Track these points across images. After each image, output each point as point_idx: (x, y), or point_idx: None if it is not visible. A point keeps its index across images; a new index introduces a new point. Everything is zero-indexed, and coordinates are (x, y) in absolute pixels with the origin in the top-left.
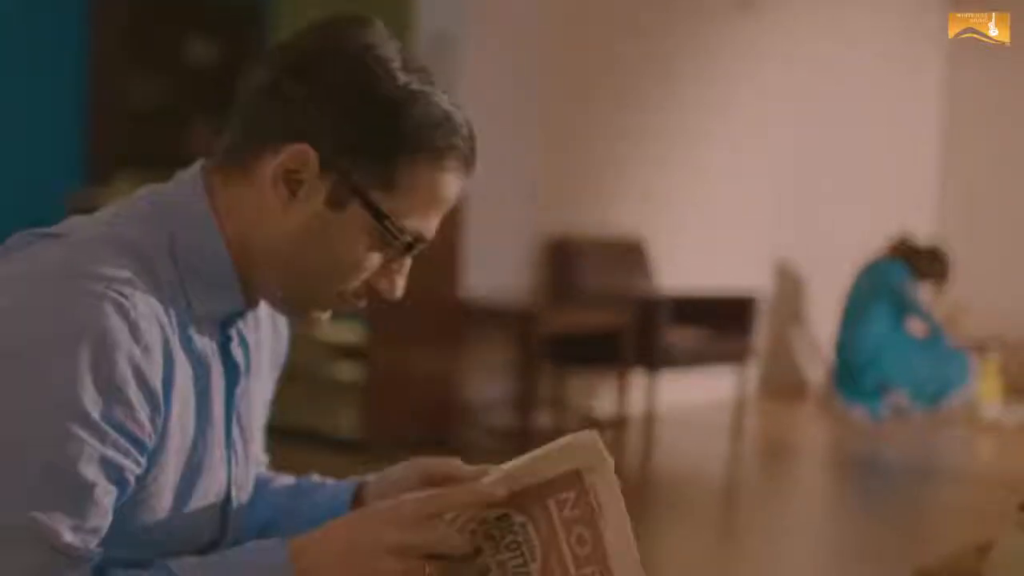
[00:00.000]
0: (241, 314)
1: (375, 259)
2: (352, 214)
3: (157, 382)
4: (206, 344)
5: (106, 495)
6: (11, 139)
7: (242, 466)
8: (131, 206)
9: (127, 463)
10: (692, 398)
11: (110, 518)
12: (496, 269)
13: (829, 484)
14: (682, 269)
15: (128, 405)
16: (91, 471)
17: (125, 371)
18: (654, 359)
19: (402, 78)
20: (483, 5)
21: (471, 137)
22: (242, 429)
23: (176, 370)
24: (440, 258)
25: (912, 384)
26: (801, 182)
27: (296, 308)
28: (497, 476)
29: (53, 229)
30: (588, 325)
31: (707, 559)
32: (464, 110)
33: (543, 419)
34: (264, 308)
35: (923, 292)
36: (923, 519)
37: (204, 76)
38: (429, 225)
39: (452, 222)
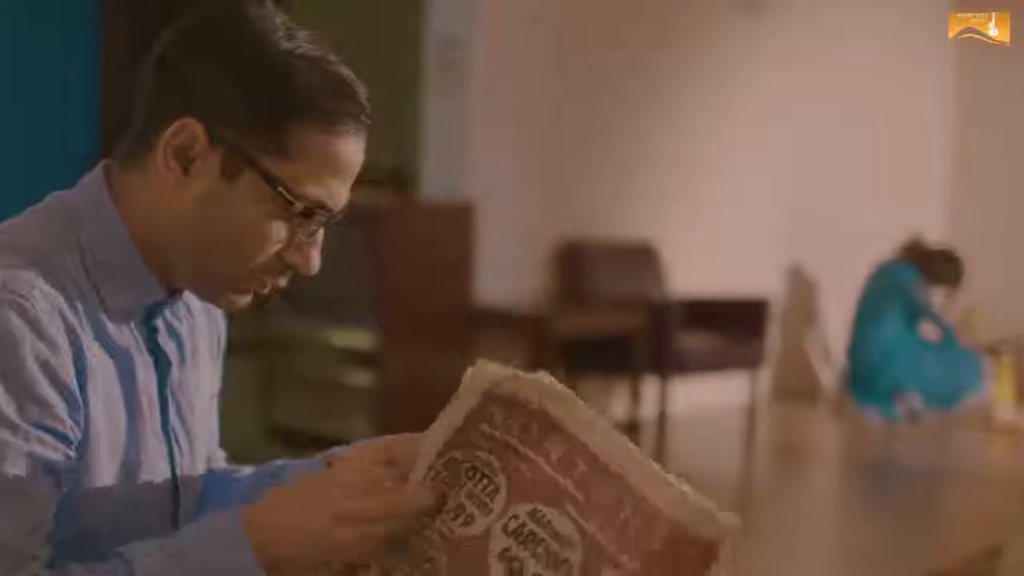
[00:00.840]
0: (164, 304)
1: (279, 230)
2: (247, 183)
3: (69, 377)
4: (127, 337)
5: (43, 491)
6: (23, 140)
7: (187, 458)
8: (34, 214)
9: (56, 457)
10: (705, 402)
11: (53, 514)
12: (508, 274)
13: (842, 487)
14: (694, 273)
15: (43, 402)
16: (20, 468)
17: (33, 369)
18: (666, 364)
19: (286, 44)
20: (492, 9)
21: (365, 101)
22: (183, 420)
23: (90, 364)
24: (451, 263)
25: (925, 387)
26: (812, 185)
27: (210, 290)
28: (419, 469)
29: None
30: (600, 329)
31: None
32: (359, 78)
33: None
34: (193, 299)
35: (936, 295)
36: (936, 522)
37: None
38: (332, 193)
39: (463, 227)
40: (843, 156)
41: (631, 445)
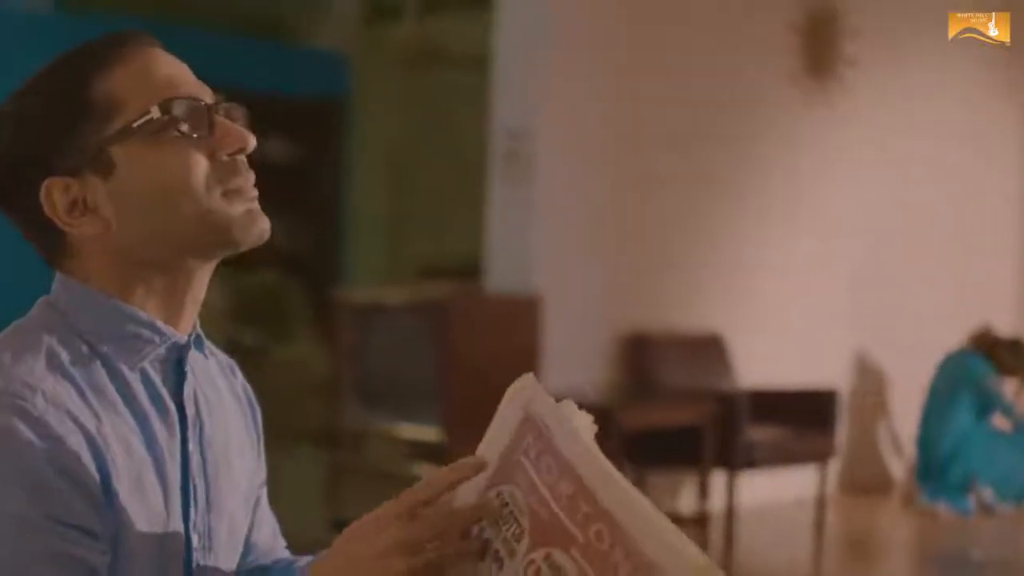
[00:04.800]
0: (187, 348)
1: (182, 152)
2: (121, 161)
3: (84, 472)
4: (145, 401)
5: None
6: None
7: (203, 512)
8: (28, 318)
9: (84, 553)
10: (774, 495)
11: None
12: (574, 366)
13: None
14: (762, 364)
15: (61, 500)
16: (50, 570)
17: (47, 469)
18: (735, 457)
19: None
20: (557, 101)
21: (108, 32)
22: (206, 479)
23: (111, 446)
24: (518, 355)
25: (997, 479)
26: (880, 275)
27: (213, 232)
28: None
29: None
30: (667, 422)
31: None
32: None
33: None
34: (220, 376)
35: (1006, 385)
36: None
37: (282, 174)
38: (163, 87)
39: (530, 318)
40: (911, 246)
41: (628, 486)
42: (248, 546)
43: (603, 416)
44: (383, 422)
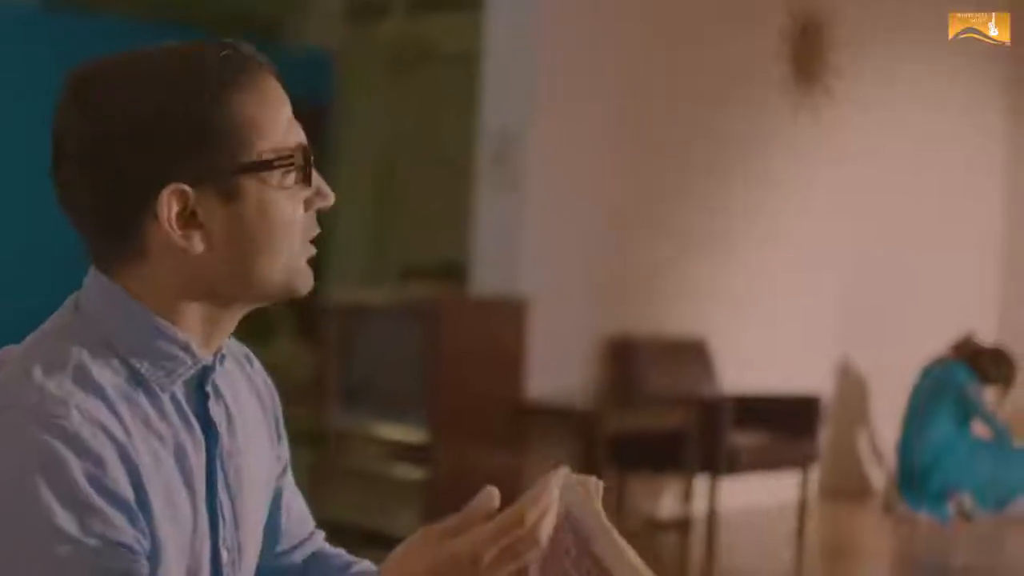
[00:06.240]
0: (212, 369)
1: (294, 197)
2: (250, 190)
3: (122, 488)
4: (176, 418)
5: None
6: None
7: (230, 528)
8: (58, 323)
9: (125, 566)
10: (755, 500)
11: None
12: (558, 370)
13: None
14: (745, 370)
15: (102, 516)
16: None
17: (85, 486)
18: (718, 462)
19: (150, 65)
20: (546, 103)
21: (226, 45)
22: (230, 492)
23: (144, 465)
24: (503, 358)
25: (977, 487)
26: (863, 283)
27: (289, 281)
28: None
29: None
30: (651, 426)
31: None
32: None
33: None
34: (242, 377)
35: (988, 394)
36: None
37: None
38: (297, 135)
39: (515, 322)
40: (895, 254)
41: (632, 554)
42: (278, 533)
43: (587, 420)
44: (367, 423)
